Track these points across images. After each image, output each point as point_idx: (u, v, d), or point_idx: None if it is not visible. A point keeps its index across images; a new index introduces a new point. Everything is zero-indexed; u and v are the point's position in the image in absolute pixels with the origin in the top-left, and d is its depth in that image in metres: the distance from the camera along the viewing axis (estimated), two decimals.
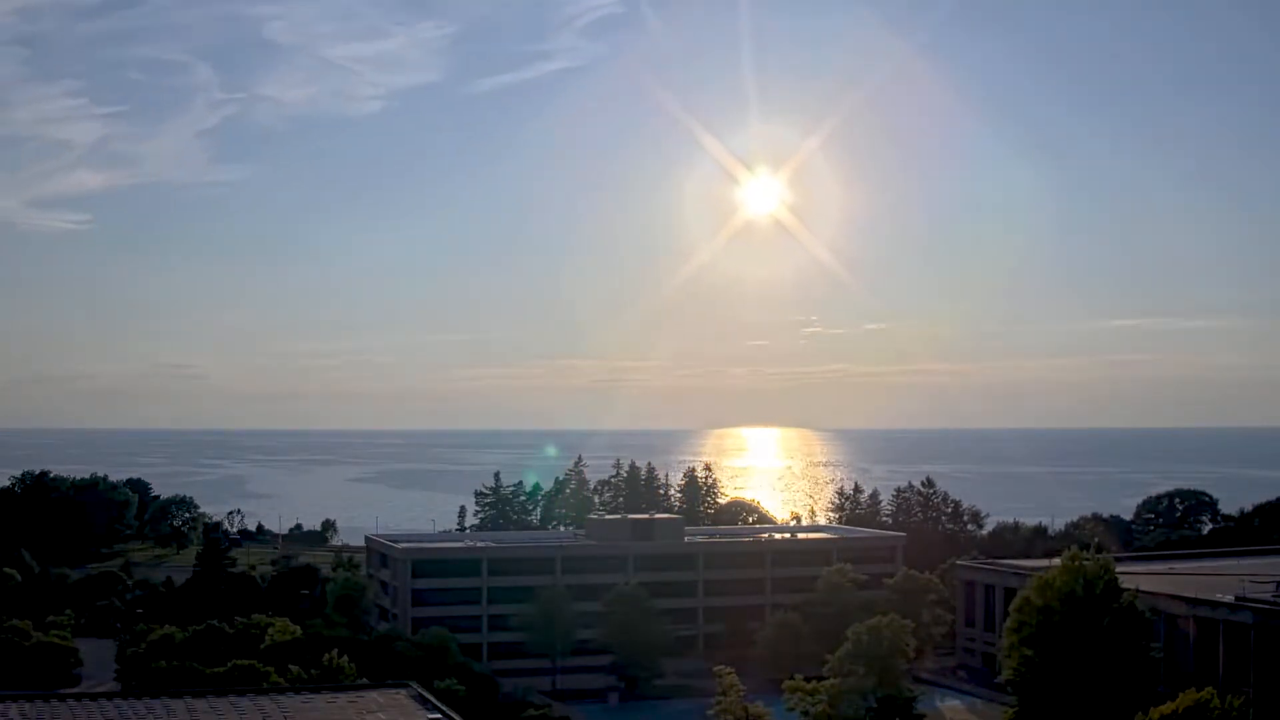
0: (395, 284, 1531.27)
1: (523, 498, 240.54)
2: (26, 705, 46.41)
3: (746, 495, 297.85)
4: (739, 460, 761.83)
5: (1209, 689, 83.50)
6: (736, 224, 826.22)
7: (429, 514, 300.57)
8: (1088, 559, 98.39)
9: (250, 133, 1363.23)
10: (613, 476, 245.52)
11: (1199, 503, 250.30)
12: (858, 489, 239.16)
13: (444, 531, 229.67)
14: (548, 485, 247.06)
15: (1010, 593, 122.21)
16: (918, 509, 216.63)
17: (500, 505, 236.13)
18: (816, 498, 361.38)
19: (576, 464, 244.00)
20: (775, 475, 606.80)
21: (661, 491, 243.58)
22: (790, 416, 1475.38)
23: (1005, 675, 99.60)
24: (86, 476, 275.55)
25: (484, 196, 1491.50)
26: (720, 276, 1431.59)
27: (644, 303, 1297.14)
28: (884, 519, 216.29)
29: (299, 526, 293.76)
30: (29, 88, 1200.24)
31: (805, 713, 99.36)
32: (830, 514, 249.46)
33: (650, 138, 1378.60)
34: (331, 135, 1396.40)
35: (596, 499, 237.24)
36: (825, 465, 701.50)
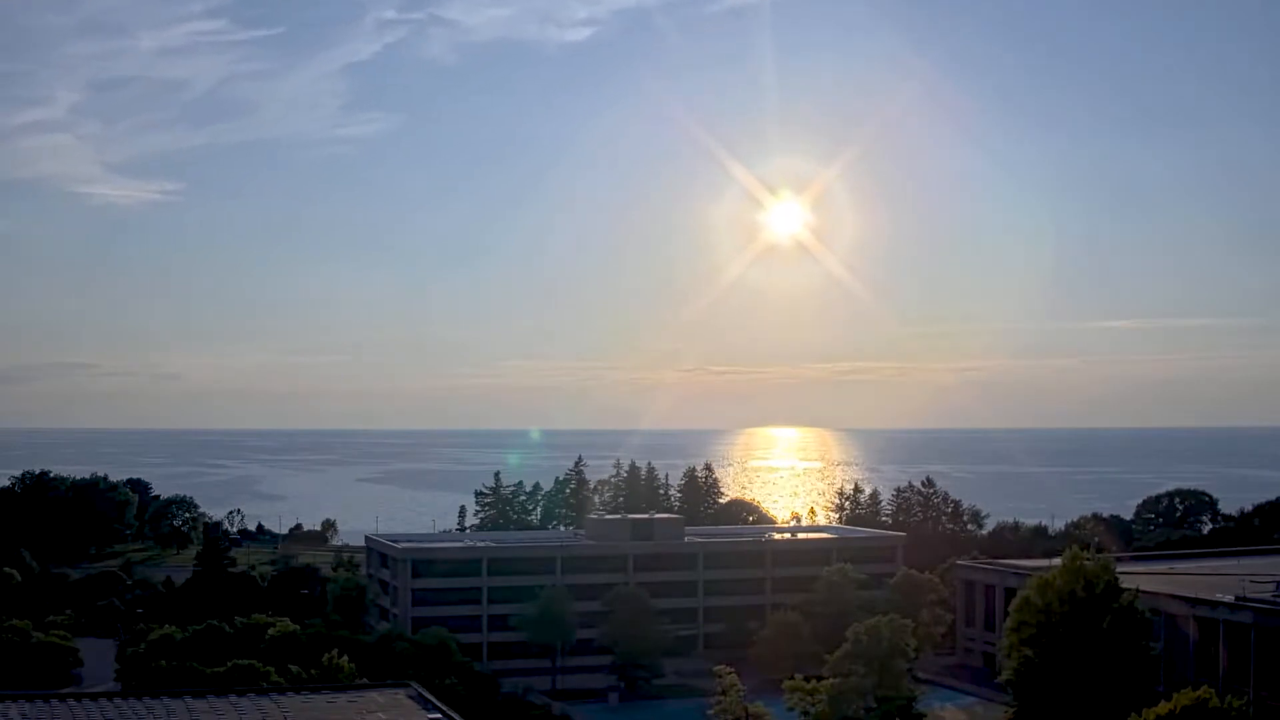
0: (404, 280, 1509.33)
1: (522, 497, 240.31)
2: (26, 705, 46.36)
3: (747, 495, 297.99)
4: (764, 460, 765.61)
5: (1205, 688, 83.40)
6: (762, 242, 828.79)
7: (429, 514, 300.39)
8: (1088, 559, 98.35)
9: (406, 70, 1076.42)
10: (613, 476, 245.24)
11: (1199, 503, 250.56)
12: (858, 489, 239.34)
13: (444, 531, 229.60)
14: (543, 481, 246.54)
15: (1010, 593, 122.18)
16: (918, 509, 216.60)
17: (500, 505, 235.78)
18: (825, 496, 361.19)
19: (577, 464, 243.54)
20: (795, 474, 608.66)
21: (661, 491, 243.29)
22: (806, 417, 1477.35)
23: (1005, 675, 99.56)
24: (86, 476, 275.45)
25: (535, 184, 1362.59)
26: (747, 288, 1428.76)
27: (674, 312, 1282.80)
28: (884, 519, 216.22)
29: (299, 526, 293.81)
30: (164, 5, 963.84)
31: (805, 713, 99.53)
32: (831, 514, 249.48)
33: (683, 166, 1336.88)
34: (502, 76, 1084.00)
35: (596, 499, 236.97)
36: (840, 465, 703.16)
